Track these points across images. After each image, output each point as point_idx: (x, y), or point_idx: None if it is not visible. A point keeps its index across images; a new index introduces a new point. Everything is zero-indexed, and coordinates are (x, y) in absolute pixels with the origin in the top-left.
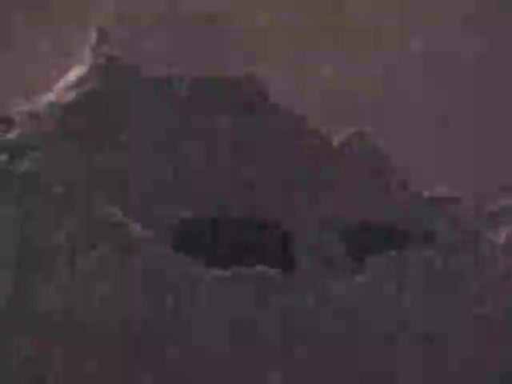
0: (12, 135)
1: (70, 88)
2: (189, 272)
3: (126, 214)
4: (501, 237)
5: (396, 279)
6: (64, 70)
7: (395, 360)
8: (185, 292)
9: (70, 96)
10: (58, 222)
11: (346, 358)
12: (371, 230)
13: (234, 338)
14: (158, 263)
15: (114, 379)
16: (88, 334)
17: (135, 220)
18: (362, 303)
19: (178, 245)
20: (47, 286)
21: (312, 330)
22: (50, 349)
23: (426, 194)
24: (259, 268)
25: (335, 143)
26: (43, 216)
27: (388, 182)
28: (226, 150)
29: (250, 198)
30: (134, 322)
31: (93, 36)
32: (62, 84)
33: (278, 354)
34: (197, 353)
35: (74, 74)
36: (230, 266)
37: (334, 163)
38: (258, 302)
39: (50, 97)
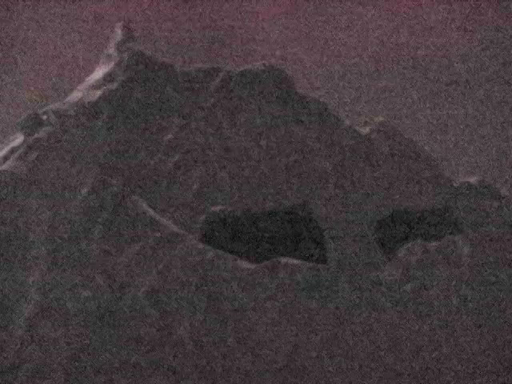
0: (40, 134)
1: (96, 86)
2: (222, 266)
3: (161, 210)
4: None
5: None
6: (91, 68)
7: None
8: (222, 285)
9: (96, 94)
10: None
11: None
12: (404, 219)
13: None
14: (193, 257)
15: None
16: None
17: (169, 216)
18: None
19: (211, 238)
20: None
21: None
22: None
23: (458, 182)
24: (293, 260)
25: (365, 133)
26: (72, 217)
27: (421, 172)
28: (261, 141)
29: (282, 190)
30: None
31: (118, 33)
32: (88, 82)
33: None
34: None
35: (100, 71)
36: (261, 259)
37: (366, 154)
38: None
39: (76, 95)
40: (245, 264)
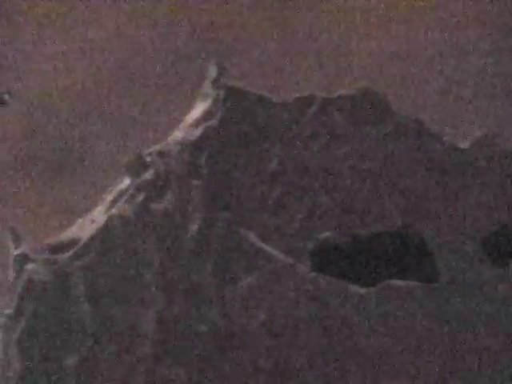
0: (146, 175)
1: (196, 124)
2: (335, 292)
3: (269, 241)
4: None
5: None
6: (188, 108)
7: None
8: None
9: (197, 132)
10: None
11: None
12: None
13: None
14: (306, 286)
15: None
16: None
17: (277, 246)
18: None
19: (320, 266)
20: None
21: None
22: None
23: None
24: (403, 282)
25: (463, 147)
26: (183, 254)
27: None
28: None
29: (387, 211)
30: None
31: (212, 69)
32: (187, 121)
33: None
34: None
35: (199, 109)
36: (371, 282)
37: (464, 168)
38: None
39: (178, 135)
40: (356, 288)
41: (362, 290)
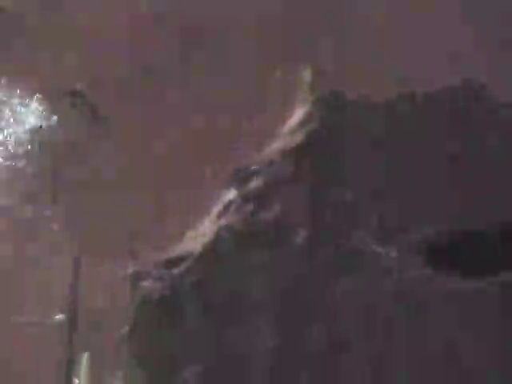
0: (252, 185)
1: (296, 130)
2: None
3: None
4: None
5: None
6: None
7: None
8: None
9: (299, 138)
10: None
11: None
12: None
13: None
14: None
15: None
16: None
17: (382, 243)
18: None
19: (428, 260)
20: None
21: None
22: None
23: None
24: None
25: None
26: (294, 260)
27: None
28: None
29: (492, 208)
30: None
31: (307, 74)
32: (288, 127)
33: None
34: None
35: (298, 115)
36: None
37: None
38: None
39: (280, 141)
40: (470, 282)
41: (471, 285)
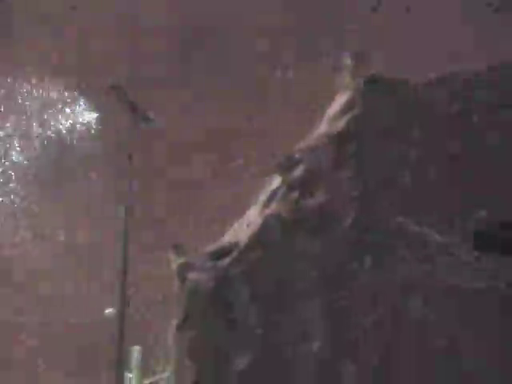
0: (297, 172)
1: (339, 116)
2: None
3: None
4: None
5: None
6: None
7: None
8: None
9: (341, 124)
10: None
11: None
12: None
13: None
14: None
15: None
16: None
17: (429, 226)
18: None
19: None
20: None
21: None
22: None
23: None
24: None
25: None
26: (340, 246)
27: None
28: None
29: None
30: None
31: (347, 60)
32: (330, 113)
33: None
34: None
35: (340, 101)
36: None
37: None
38: None
39: (322, 128)
40: None
41: None
